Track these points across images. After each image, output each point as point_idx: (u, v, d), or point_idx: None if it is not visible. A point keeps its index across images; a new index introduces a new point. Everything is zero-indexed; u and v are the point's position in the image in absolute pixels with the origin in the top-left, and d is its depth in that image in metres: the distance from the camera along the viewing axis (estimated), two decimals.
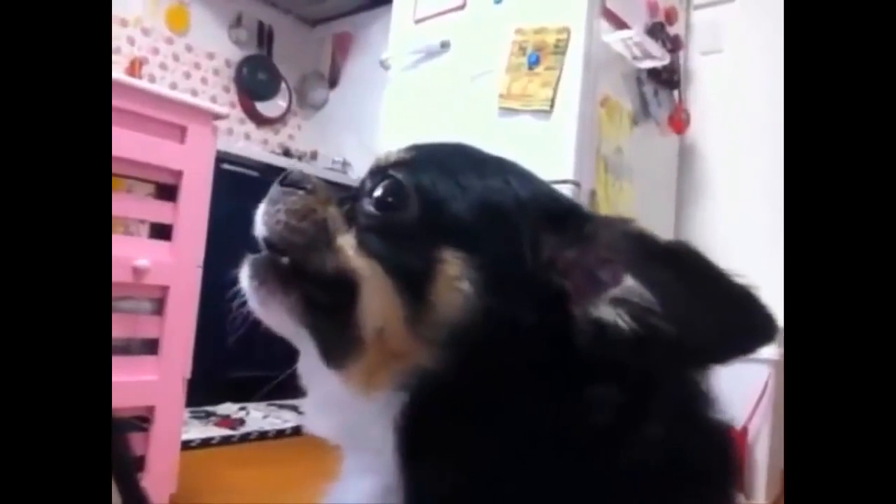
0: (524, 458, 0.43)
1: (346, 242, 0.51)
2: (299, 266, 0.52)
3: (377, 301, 0.48)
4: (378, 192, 0.51)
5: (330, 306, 0.50)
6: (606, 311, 0.43)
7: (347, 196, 0.54)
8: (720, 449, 0.48)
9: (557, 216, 0.49)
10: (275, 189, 0.55)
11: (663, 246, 0.44)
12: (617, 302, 0.43)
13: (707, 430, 0.47)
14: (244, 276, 0.54)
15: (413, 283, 0.47)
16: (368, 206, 0.51)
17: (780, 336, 0.43)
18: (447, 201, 0.49)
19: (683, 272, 0.42)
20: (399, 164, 0.53)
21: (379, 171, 0.53)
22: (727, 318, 0.42)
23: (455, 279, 0.46)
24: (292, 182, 0.56)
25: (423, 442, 0.45)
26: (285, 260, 0.53)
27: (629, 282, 0.43)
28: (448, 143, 0.56)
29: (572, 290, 0.45)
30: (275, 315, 0.53)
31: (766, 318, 0.41)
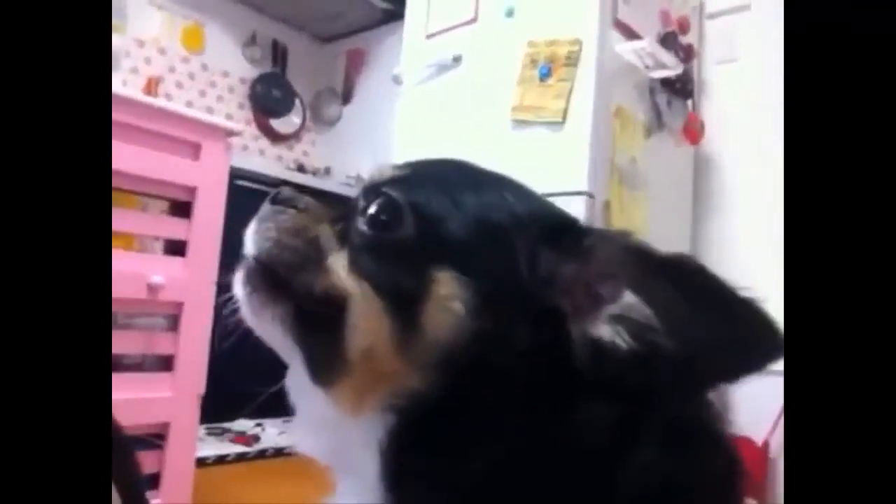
0: (516, 484, 0.42)
1: (338, 262, 0.50)
2: (290, 283, 0.51)
3: (365, 322, 0.47)
4: (372, 211, 0.50)
5: (319, 322, 0.49)
6: (605, 330, 0.42)
7: (341, 215, 0.53)
8: (722, 472, 0.46)
9: (554, 231, 0.48)
10: (265, 207, 0.54)
11: (664, 259, 0.43)
12: (616, 319, 0.42)
13: (708, 450, 0.45)
14: (237, 282, 0.53)
15: (403, 305, 0.45)
16: (362, 226, 0.50)
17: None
18: (442, 220, 0.48)
19: (685, 287, 0.41)
20: (393, 181, 0.51)
21: (373, 189, 0.51)
22: (732, 335, 0.40)
23: (447, 299, 0.45)
24: (283, 200, 0.55)
25: (409, 465, 0.44)
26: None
27: (629, 298, 0.42)
28: (444, 160, 0.55)
29: (570, 309, 0.43)
30: (266, 324, 0.52)
31: (774, 334, 0.39)
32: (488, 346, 0.43)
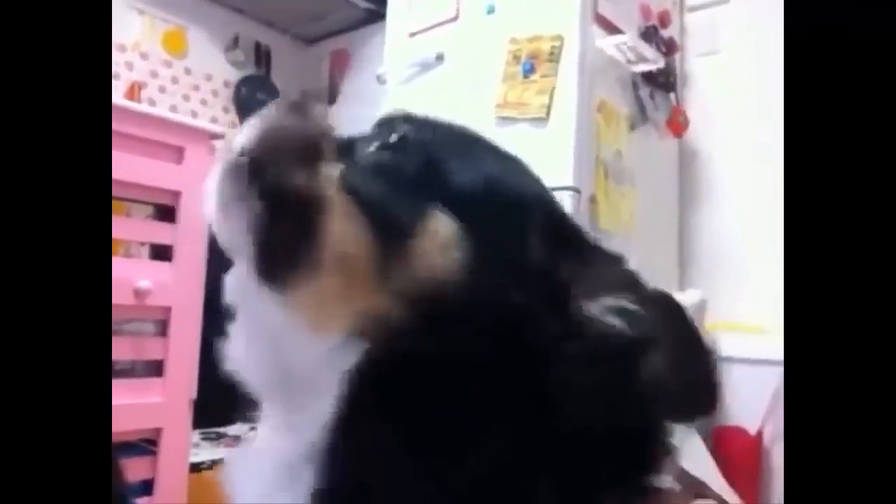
0: (475, 452, 0.40)
1: (331, 169, 0.48)
2: (270, 178, 0.47)
3: (345, 231, 0.44)
4: (380, 139, 0.49)
5: (290, 221, 0.45)
6: (598, 311, 0.42)
7: (353, 138, 0.52)
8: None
9: (562, 228, 0.48)
10: (274, 106, 0.53)
11: (652, 291, 0.43)
12: (610, 308, 0.42)
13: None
14: (212, 176, 0.49)
15: (390, 229, 0.44)
16: (367, 148, 0.49)
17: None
18: (452, 167, 0.47)
19: (668, 317, 0.42)
20: (411, 119, 0.51)
21: (387, 122, 0.51)
22: (689, 374, 0.41)
23: (437, 236, 0.43)
24: (294, 104, 0.53)
25: (370, 402, 0.41)
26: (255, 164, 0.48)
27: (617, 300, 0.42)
28: (467, 127, 0.55)
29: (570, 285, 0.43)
30: (234, 221, 0.47)
31: (712, 395, 0.41)
32: (469, 296, 0.42)
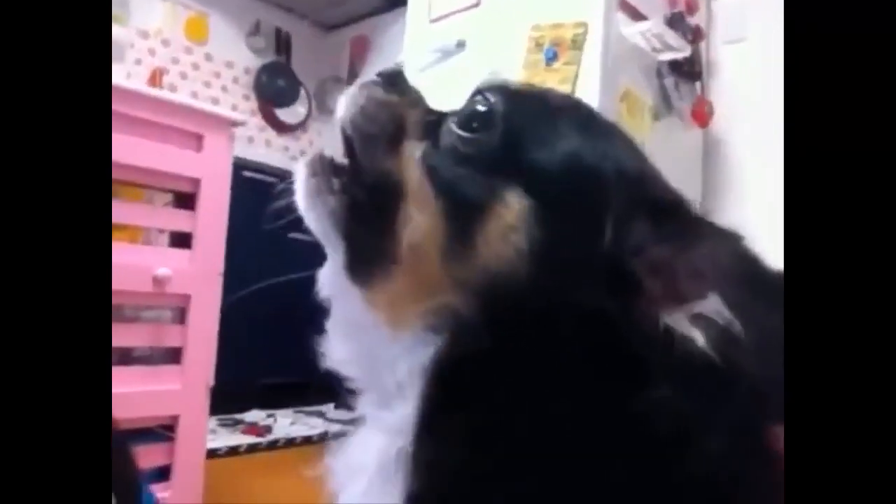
0: (554, 454, 0.38)
1: (412, 149, 0.48)
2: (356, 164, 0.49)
3: (419, 217, 0.44)
4: (466, 112, 0.48)
5: (371, 212, 0.47)
6: (683, 324, 0.37)
7: (444, 112, 0.52)
8: (774, 470, 0.43)
9: (661, 205, 0.44)
10: (371, 78, 0.54)
11: (771, 276, 0.39)
12: (699, 319, 0.37)
13: (764, 449, 0.41)
14: (301, 165, 0.52)
15: (462, 214, 0.43)
16: (452, 124, 0.48)
17: None
18: (532, 141, 0.45)
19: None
20: (502, 89, 0.49)
21: (479, 91, 0.49)
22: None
23: (510, 225, 0.41)
24: (389, 77, 0.54)
25: (450, 398, 0.40)
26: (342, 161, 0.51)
27: (717, 303, 0.37)
28: (570, 97, 0.53)
29: (650, 287, 0.39)
30: (318, 211, 0.50)
31: None
32: (544, 292, 0.40)
